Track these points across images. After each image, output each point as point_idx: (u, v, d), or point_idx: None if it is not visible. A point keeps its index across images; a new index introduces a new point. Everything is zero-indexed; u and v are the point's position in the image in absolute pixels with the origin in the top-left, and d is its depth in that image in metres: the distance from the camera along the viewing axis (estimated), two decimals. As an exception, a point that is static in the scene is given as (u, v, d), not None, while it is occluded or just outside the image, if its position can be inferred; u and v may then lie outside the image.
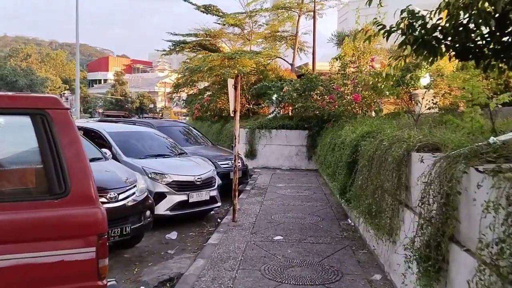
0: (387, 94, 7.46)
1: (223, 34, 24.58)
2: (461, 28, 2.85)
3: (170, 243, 6.24)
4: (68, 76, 70.67)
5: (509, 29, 2.87)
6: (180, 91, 25.96)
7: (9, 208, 2.54)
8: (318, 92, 14.03)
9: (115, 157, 7.10)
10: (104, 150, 6.70)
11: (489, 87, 4.69)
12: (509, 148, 2.61)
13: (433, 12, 2.87)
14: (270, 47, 24.68)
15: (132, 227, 5.44)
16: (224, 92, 16.25)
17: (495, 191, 2.27)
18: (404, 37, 3.05)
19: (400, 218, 4.09)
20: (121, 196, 5.36)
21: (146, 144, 8.30)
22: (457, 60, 3.65)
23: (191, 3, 22.97)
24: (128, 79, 73.23)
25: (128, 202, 5.44)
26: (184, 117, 41.43)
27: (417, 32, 2.98)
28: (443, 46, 3.01)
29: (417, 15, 2.94)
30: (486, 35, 2.94)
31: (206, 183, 7.52)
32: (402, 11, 2.98)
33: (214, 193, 7.66)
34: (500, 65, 3.08)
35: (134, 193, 5.59)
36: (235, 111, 7.12)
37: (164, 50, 24.24)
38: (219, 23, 24.11)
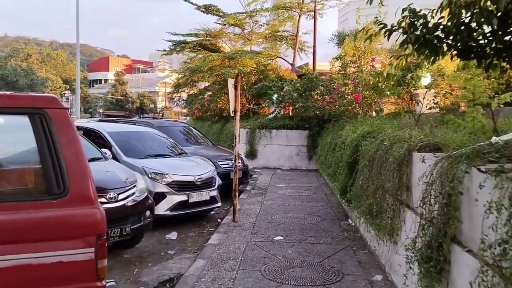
0: (388, 94, 7.44)
1: (223, 34, 24.56)
2: (463, 27, 2.83)
3: (170, 243, 6.22)
4: (69, 76, 70.66)
5: None
6: (181, 91, 25.95)
7: (7, 208, 2.52)
8: (319, 92, 14.01)
9: (115, 157, 7.08)
10: (104, 150, 6.68)
11: (490, 86, 4.66)
12: (511, 148, 2.59)
13: (434, 11, 2.85)
14: (271, 47, 24.66)
15: (132, 227, 5.41)
16: (225, 92, 16.24)
17: (498, 191, 2.25)
18: (405, 36, 3.03)
19: (401, 219, 4.07)
20: (121, 196, 5.34)
21: (146, 144, 8.28)
22: (458, 60, 3.63)
23: (191, 3, 22.96)
24: (129, 79, 73.33)
25: (128, 202, 5.42)
26: (185, 117, 41.44)
27: (418, 31, 2.95)
28: (444, 45, 2.99)
29: (418, 14, 2.91)
30: (488, 34, 2.91)
31: (206, 183, 7.50)
32: (403, 10, 2.96)
33: (214, 193, 7.64)
34: (502, 64, 3.06)
35: (134, 193, 5.57)
36: (235, 111, 7.10)
37: (165, 50, 24.21)
38: (219, 23, 24.11)
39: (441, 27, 2.90)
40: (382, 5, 3.23)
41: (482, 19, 2.68)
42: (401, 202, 4.08)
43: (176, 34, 23.56)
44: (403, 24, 2.97)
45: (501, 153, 2.61)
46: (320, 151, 11.59)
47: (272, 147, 14.71)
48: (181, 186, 7.13)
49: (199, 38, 23.65)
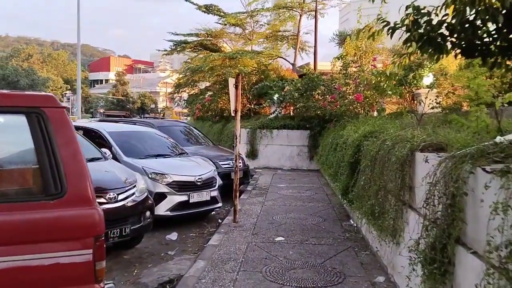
0: (390, 93, 7.40)
1: (224, 34, 24.50)
2: (467, 25, 2.78)
3: (170, 244, 6.18)
4: (70, 76, 70.69)
5: (517, 26, 2.80)
6: (182, 91, 25.91)
7: (3, 209, 2.47)
8: (320, 92, 13.98)
9: (115, 157, 7.04)
10: (104, 150, 6.65)
11: (494, 85, 4.61)
12: (517, 148, 2.54)
13: (439, 8, 2.80)
14: (272, 47, 24.62)
15: (131, 228, 5.37)
16: (225, 92, 16.20)
17: (504, 192, 2.20)
18: (409, 34, 2.98)
19: (404, 219, 4.02)
20: (120, 197, 5.30)
21: (146, 144, 8.24)
22: (461, 59, 3.59)
23: (192, 3, 22.91)
24: (130, 79, 73.39)
25: (127, 202, 5.38)
26: (186, 117, 41.42)
27: (422, 29, 2.91)
28: (448, 43, 2.94)
29: (422, 11, 2.87)
30: (493, 32, 2.86)
31: (207, 184, 7.46)
32: (407, 7, 2.91)
33: (215, 193, 7.60)
34: (508, 62, 3.01)
35: (133, 194, 5.52)
36: (236, 111, 7.06)
37: (166, 50, 24.18)
38: (220, 23, 24.05)
39: (445, 24, 2.85)
40: (385, 2, 3.18)
41: (487, 17, 2.63)
42: (403, 202, 4.03)
43: (177, 34, 23.54)
44: (406, 22, 2.92)
45: (506, 153, 2.57)
46: (321, 151, 11.55)
47: (273, 147, 14.67)
48: (181, 186, 7.09)
49: (200, 38, 23.61)
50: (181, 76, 25.21)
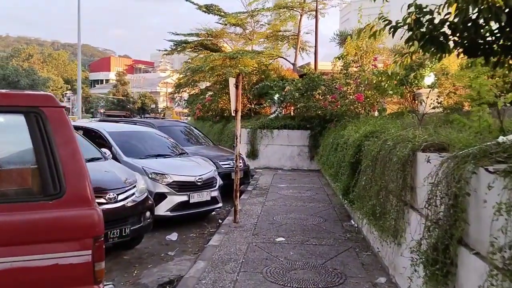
0: (391, 93, 7.36)
1: (224, 34, 24.48)
2: (470, 23, 2.75)
3: (170, 244, 6.16)
4: (70, 76, 70.75)
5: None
6: (182, 91, 25.90)
7: (1, 209, 2.45)
8: (320, 91, 13.95)
9: (115, 157, 7.02)
10: (104, 150, 6.63)
11: (496, 85, 4.59)
12: (520, 148, 2.51)
13: (441, 7, 2.78)
14: (272, 46, 24.59)
15: (131, 228, 5.34)
16: (226, 92, 16.19)
17: (507, 192, 2.18)
18: (411, 33, 2.95)
19: (405, 220, 3.99)
20: (120, 197, 5.27)
21: (146, 144, 8.22)
22: (463, 58, 3.56)
23: (192, 2, 22.89)
24: (130, 79, 73.42)
25: (127, 202, 5.35)
26: (186, 117, 41.39)
27: (424, 28, 2.88)
28: (451, 42, 2.92)
29: (424, 9, 2.84)
30: (496, 31, 2.84)
31: (207, 184, 7.44)
32: (409, 6, 2.88)
33: (215, 193, 7.57)
34: (510, 62, 2.98)
35: (133, 194, 5.50)
36: (236, 111, 7.03)
37: (166, 50, 24.16)
38: (220, 23, 24.03)
39: (448, 23, 2.82)
40: (387, 1, 3.15)
41: (490, 15, 2.60)
42: (405, 203, 4.01)
43: (177, 34, 23.52)
44: (408, 21, 2.89)
45: (509, 153, 2.55)
46: (322, 151, 11.52)
47: (273, 147, 14.64)
48: (181, 187, 7.06)
49: (200, 38, 23.58)
50: (181, 76, 25.19)
